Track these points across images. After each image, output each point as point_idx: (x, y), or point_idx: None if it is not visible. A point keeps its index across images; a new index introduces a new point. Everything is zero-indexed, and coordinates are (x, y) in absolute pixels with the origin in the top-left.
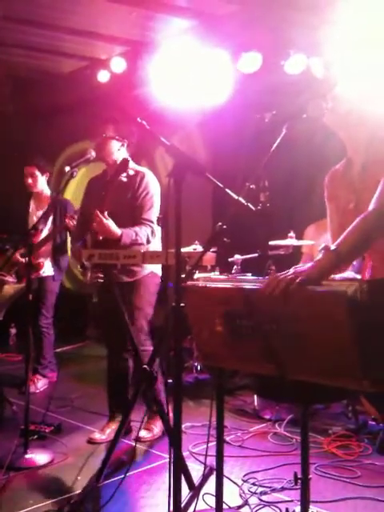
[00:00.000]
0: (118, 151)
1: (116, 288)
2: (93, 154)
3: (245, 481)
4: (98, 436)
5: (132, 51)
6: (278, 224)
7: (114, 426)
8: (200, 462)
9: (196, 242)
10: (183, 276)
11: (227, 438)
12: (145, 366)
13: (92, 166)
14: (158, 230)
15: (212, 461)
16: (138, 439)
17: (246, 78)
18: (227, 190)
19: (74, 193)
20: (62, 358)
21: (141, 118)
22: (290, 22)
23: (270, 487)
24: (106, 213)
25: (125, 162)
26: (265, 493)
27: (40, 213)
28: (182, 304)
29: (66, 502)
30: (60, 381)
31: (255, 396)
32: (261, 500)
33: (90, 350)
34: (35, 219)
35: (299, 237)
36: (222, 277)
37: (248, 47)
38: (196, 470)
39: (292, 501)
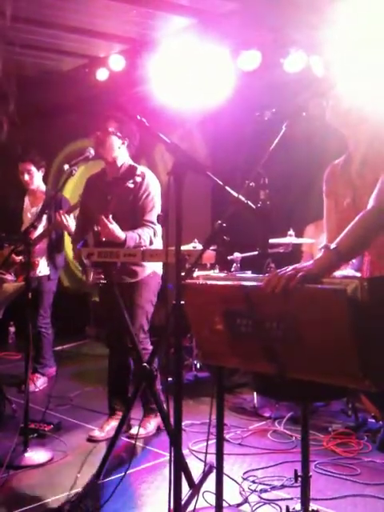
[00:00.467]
0: (118, 149)
1: (116, 288)
2: (92, 152)
3: (245, 479)
4: (97, 434)
5: (131, 49)
6: (277, 222)
7: (113, 424)
8: (200, 459)
9: (195, 239)
10: (183, 274)
11: (227, 436)
12: (145, 364)
13: (91, 165)
14: (159, 230)
15: (212, 459)
16: (131, 436)
17: (245, 76)
18: (227, 188)
19: (73, 191)
20: (62, 357)
21: (140, 116)
22: (290, 21)
23: (270, 485)
24: (110, 216)
25: (133, 168)
26: (265, 490)
27: (34, 210)
28: (182, 302)
29: (66, 499)
30: (59, 379)
31: (255, 394)
32: (261, 498)
33: (89, 349)
34: (29, 216)
35: (299, 235)
36: (222, 275)
37: (247, 45)
38: (196, 468)
39: (292, 498)
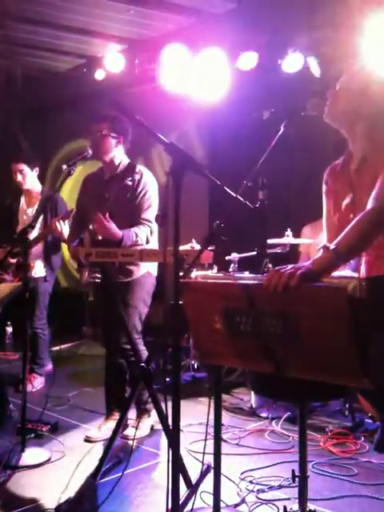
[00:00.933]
0: (115, 148)
1: (113, 287)
2: (90, 151)
3: (242, 479)
4: (94, 434)
5: (129, 49)
6: (275, 222)
7: (110, 424)
8: (197, 460)
9: (193, 239)
10: (181, 274)
11: (224, 436)
12: (142, 364)
13: (89, 164)
14: (155, 228)
15: (209, 459)
16: (125, 437)
17: (243, 77)
18: (226, 188)
19: (70, 191)
20: (59, 357)
21: (138, 115)
22: (288, 21)
23: (268, 485)
24: (107, 214)
25: (131, 166)
26: (262, 491)
27: (30, 210)
28: (180, 302)
29: (64, 500)
30: (57, 379)
31: (252, 394)
32: (258, 498)
33: (86, 349)
34: (25, 217)
35: (296, 235)
36: (220, 275)
37: (245, 46)
38: (193, 468)
39: (289, 499)
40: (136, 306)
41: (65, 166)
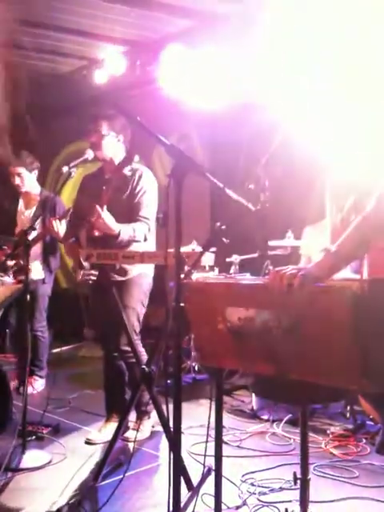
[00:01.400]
0: (114, 148)
1: (113, 288)
2: (90, 153)
3: (243, 481)
4: (95, 436)
5: (130, 51)
6: (276, 224)
7: (111, 427)
8: (198, 462)
9: (194, 241)
10: (182, 276)
11: (225, 439)
12: (143, 367)
13: (89, 166)
14: (153, 227)
15: (210, 461)
16: (126, 439)
17: (244, 78)
18: (227, 190)
19: (71, 193)
20: (60, 359)
21: (139, 117)
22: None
23: (269, 487)
24: (105, 208)
25: (129, 155)
26: (263, 493)
27: (28, 212)
28: (181, 304)
29: (65, 502)
30: (57, 381)
31: (253, 396)
32: (259, 500)
33: (87, 351)
34: (23, 218)
35: (297, 237)
36: (221, 277)
37: (246, 47)
38: (194, 471)
39: (291, 501)
40: (133, 307)
41: (65, 168)
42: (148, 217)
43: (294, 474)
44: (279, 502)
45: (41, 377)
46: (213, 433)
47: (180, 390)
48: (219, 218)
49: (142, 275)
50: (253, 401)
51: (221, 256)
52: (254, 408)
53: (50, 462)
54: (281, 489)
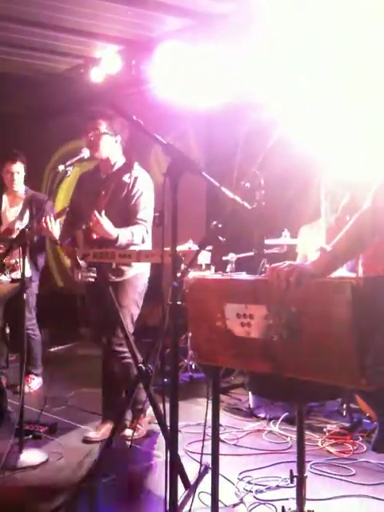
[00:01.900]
0: (111, 147)
1: (109, 288)
2: (86, 152)
3: (240, 479)
4: (92, 435)
5: (127, 50)
6: (272, 223)
7: (108, 425)
8: (195, 460)
9: (190, 240)
10: (178, 275)
11: (222, 437)
12: (140, 365)
13: (85, 165)
14: (150, 229)
15: (207, 459)
16: (123, 437)
17: (240, 77)
18: (223, 189)
19: (67, 192)
20: (56, 358)
21: (136, 116)
22: None
23: (266, 485)
24: (103, 212)
25: (128, 165)
26: (260, 491)
27: (14, 209)
28: (178, 302)
29: (62, 501)
30: (54, 380)
31: (250, 394)
32: (256, 498)
33: (84, 350)
34: (8, 216)
35: (294, 236)
36: (217, 275)
37: (243, 46)
38: (191, 469)
39: (287, 499)
40: (127, 307)
41: (61, 167)
42: (146, 219)
43: (291, 471)
44: (276, 499)
45: (37, 375)
46: (210, 431)
47: (177, 388)
48: (215, 216)
49: (138, 276)
50: (249, 399)
51: (217, 254)
52: (251, 406)
53: (47, 460)
54: (277, 487)
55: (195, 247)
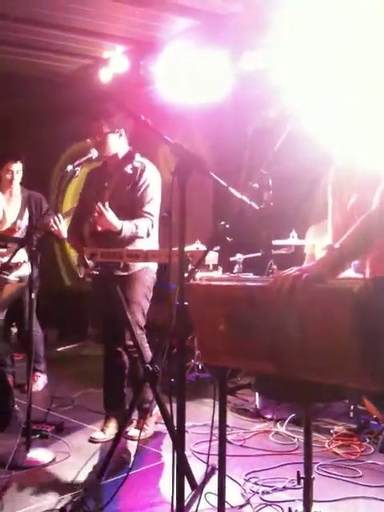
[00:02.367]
0: (118, 143)
1: (115, 283)
2: (95, 152)
3: (247, 480)
4: (99, 435)
5: (135, 50)
6: (280, 223)
7: (113, 425)
8: (202, 461)
9: (198, 240)
10: (186, 275)
11: (229, 438)
12: (147, 365)
13: (94, 165)
14: (156, 222)
15: (214, 460)
16: (130, 437)
17: (248, 77)
18: (231, 189)
19: (75, 192)
20: (63, 358)
21: (144, 116)
22: None
23: (272, 486)
24: (107, 204)
25: (130, 153)
26: (267, 492)
27: (12, 208)
28: (185, 303)
29: (69, 500)
30: (61, 380)
31: (257, 395)
32: (263, 499)
33: (91, 349)
34: (7, 214)
35: (301, 236)
36: (224, 276)
37: (251, 46)
38: (198, 470)
39: (294, 500)
40: (139, 303)
41: (70, 167)
42: (151, 212)
43: (298, 473)
44: (282, 501)
45: (41, 372)
46: (216, 432)
47: (184, 388)
48: (223, 216)
49: (145, 270)
50: (256, 400)
51: (224, 255)
52: (258, 407)
53: (53, 460)
54: (284, 488)
55: (203, 247)
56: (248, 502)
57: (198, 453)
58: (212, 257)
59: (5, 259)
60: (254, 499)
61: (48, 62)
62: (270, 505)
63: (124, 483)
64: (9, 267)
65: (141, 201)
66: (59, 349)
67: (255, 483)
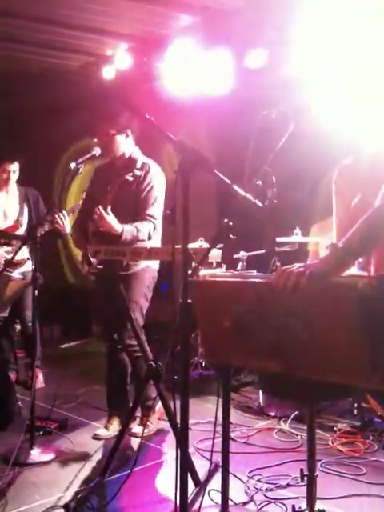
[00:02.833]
0: (124, 143)
1: (119, 282)
2: (98, 150)
3: (250, 477)
4: (102, 432)
5: (138, 47)
6: (284, 220)
7: (116, 421)
8: (205, 458)
9: (201, 238)
10: (189, 272)
11: (232, 435)
12: (151, 362)
13: (97, 163)
14: (159, 225)
15: (217, 457)
16: (133, 434)
17: (251, 74)
18: (234, 187)
19: (78, 189)
20: (67, 355)
21: (147, 114)
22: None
23: (276, 484)
24: (108, 208)
25: (133, 160)
26: (270, 489)
27: (11, 206)
28: (189, 300)
29: (72, 497)
30: (65, 377)
31: (260, 392)
32: (266, 496)
33: (95, 347)
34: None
35: (305, 233)
36: (228, 273)
37: (254, 43)
38: (201, 467)
39: (297, 497)
40: (136, 301)
41: (73, 165)
42: (154, 215)
43: (301, 470)
44: (286, 498)
45: (39, 367)
46: (220, 429)
47: (187, 386)
48: (226, 214)
49: (146, 269)
50: (260, 397)
51: (228, 252)
52: (261, 404)
53: (57, 457)
54: (288, 485)
55: (206, 245)
56: (251, 499)
57: (202, 450)
58: (215, 254)
59: (9, 256)
60: (257, 496)
61: (51, 59)
62: (274, 502)
63: (127, 480)
64: (12, 264)
65: (144, 202)
66: (63, 345)
67: (259, 480)
